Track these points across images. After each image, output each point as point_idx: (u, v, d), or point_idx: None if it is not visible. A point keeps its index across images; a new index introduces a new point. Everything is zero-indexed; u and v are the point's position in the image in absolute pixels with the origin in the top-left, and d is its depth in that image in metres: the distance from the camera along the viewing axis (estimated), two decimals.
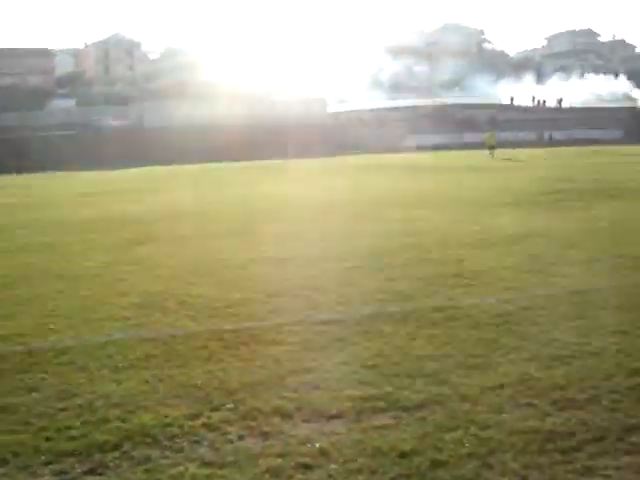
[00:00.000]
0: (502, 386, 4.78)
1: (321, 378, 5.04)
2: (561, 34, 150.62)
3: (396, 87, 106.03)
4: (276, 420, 4.38)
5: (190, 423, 4.35)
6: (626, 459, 3.75)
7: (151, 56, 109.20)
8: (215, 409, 4.57)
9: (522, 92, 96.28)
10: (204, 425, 4.33)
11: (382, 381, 4.95)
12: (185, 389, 4.94)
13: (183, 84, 77.13)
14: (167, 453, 3.99)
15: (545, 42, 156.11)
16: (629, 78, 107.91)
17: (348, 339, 5.96)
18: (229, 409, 4.56)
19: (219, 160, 46.44)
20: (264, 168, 37.62)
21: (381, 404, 4.56)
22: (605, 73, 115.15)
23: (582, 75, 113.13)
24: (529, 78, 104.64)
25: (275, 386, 4.94)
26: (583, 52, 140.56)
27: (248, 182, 28.03)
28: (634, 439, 3.98)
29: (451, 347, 5.65)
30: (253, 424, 4.33)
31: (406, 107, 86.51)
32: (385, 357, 5.46)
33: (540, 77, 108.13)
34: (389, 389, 4.79)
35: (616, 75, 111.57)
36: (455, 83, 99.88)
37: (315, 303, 7.14)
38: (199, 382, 5.03)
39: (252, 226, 13.63)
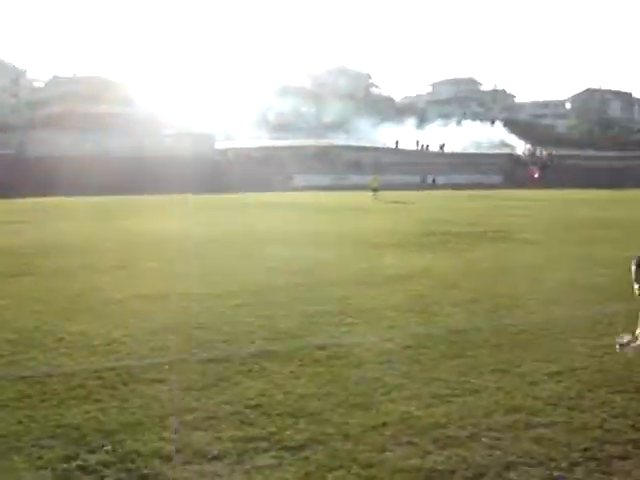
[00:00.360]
0: (384, 425, 4.83)
1: (203, 418, 4.95)
2: (445, 81, 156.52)
3: (283, 127, 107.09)
4: (156, 462, 4.26)
5: (65, 466, 4.17)
6: None
7: (36, 84, 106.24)
8: (92, 451, 4.40)
9: (406, 136, 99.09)
10: (80, 468, 4.16)
11: (265, 421, 4.91)
12: (61, 430, 4.74)
13: (70, 114, 75.26)
14: None
15: (430, 89, 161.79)
16: (508, 126, 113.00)
17: (231, 378, 5.89)
18: (107, 451, 4.40)
19: (105, 193, 45.39)
20: (150, 202, 37.02)
21: (264, 444, 4.51)
22: (485, 120, 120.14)
23: (463, 122, 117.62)
24: (413, 123, 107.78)
25: (155, 427, 4.81)
26: (465, 100, 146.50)
27: (133, 216, 27.48)
28: (513, 476, 4.10)
29: (334, 386, 5.67)
30: (132, 467, 4.19)
31: (293, 147, 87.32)
32: (268, 396, 5.42)
33: (424, 122, 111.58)
34: (272, 429, 4.75)
35: (492, 122, 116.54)
36: (342, 125, 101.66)
37: (198, 341, 7.03)
38: (75, 422, 4.84)
39: (136, 261, 13.35)
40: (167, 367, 6.10)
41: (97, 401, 5.31)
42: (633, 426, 4.80)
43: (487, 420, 4.91)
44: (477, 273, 11.99)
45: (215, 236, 18.14)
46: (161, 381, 5.76)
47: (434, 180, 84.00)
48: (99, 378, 5.86)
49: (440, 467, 4.18)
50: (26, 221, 23.75)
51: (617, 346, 5.56)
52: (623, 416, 4.97)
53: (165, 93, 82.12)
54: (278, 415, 5.00)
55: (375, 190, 48.36)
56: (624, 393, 5.46)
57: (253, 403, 5.25)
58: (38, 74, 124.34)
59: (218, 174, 63.56)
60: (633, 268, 5.37)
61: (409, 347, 6.87)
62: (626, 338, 5.49)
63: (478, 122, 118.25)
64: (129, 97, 79.66)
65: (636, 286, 5.34)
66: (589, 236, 19.04)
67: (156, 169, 52.93)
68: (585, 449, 4.48)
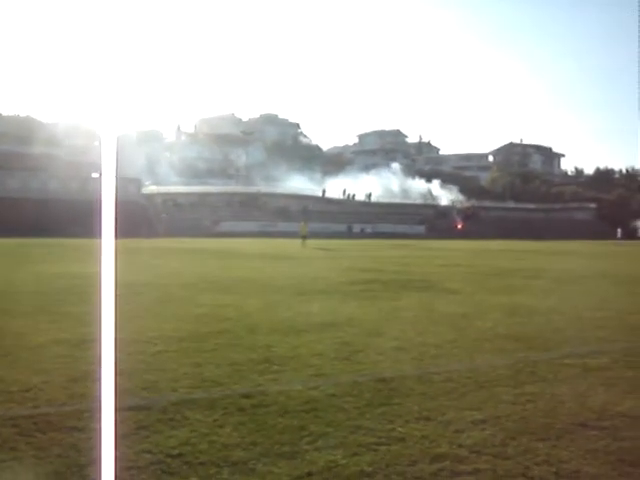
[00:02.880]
0: (309, 474, 4.75)
1: (122, 467, 4.77)
2: (372, 133, 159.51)
3: (212, 173, 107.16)
4: None
5: None
6: None
7: None
8: None
9: (333, 186, 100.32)
10: None
11: (187, 470, 4.77)
12: None
13: None
14: None
15: (356, 139, 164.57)
16: (432, 178, 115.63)
17: (153, 427, 5.73)
18: None
19: (26, 235, 44.40)
20: (73, 246, 36.32)
21: None
22: (411, 172, 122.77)
23: (389, 173, 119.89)
24: (340, 173, 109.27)
25: (74, 476, 4.62)
26: (391, 151, 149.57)
27: (55, 259, 26.88)
28: None
29: (259, 435, 5.57)
30: None
31: (220, 193, 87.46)
32: (191, 445, 5.28)
33: (351, 172, 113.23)
34: (194, 479, 4.63)
35: (417, 174, 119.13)
36: (270, 173, 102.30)
37: (119, 388, 6.82)
38: None
39: (56, 305, 13.00)
40: (86, 415, 5.90)
41: (12, 449, 5.08)
42: (556, 473, 4.85)
43: (412, 468, 4.89)
44: (402, 321, 12.07)
45: (140, 281, 17.87)
46: (80, 429, 5.56)
47: (362, 229, 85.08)
48: (15, 426, 5.61)
49: None
50: None
51: None
52: (546, 463, 5.02)
53: (93, 136, 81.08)
54: (201, 464, 4.88)
55: (304, 237, 48.81)
56: (547, 440, 5.53)
57: (175, 452, 5.11)
58: None
59: (145, 219, 62.97)
60: None
61: (334, 395, 6.82)
62: None
63: (407, 174, 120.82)
64: (56, 138, 78.46)
65: None
66: (510, 286, 19.49)
67: (80, 212, 52.08)
68: None
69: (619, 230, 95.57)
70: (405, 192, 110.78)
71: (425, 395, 6.91)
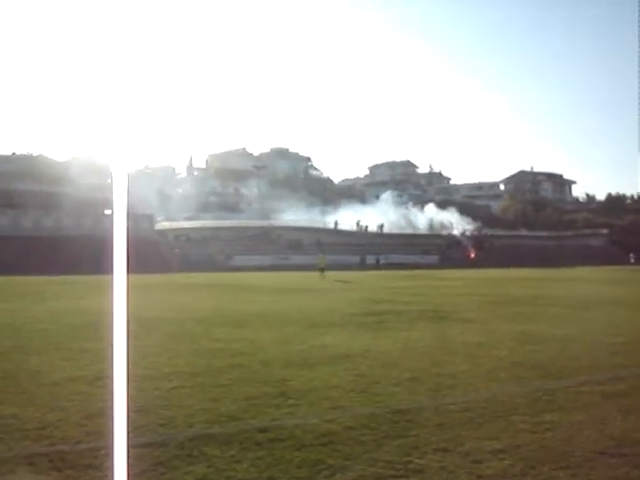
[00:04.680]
0: None
1: None
2: (382, 164, 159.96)
3: (224, 207, 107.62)
4: None
5: None
6: None
7: None
8: None
9: (346, 218, 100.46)
10: None
11: None
12: None
13: (5, 193, 74.28)
14: None
15: (367, 171, 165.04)
16: (444, 208, 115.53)
17: (169, 463, 5.72)
18: None
19: (40, 273, 44.59)
20: (86, 283, 36.45)
21: None
22: (422, 202, 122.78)
23: (401, 203, 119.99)
24: (352, 205, 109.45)
25: None
26: (402, 182, 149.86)
27: (69, 296, 26.97)
28: None
29: (276, 469, 5.55)
30: None
31: (233, 227, 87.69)
32: None
33: (363, 204, 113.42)
34: None
35: (431, 205, 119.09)
36: (282, 207, 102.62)
37: (135, 425, 6.83)
38: None
39: (71, 342, 13.01)
40: (102, 452, 5.89)
41: None
42: None
43: None
44: (417, 352, 12.03)
45: (154, 316, 17.89)
46: (96, 467, 5.55)
47: (378, 260, 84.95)
48: (31, 464, 5.62)
49: None
50: None
51: None
52: None
53: (106, 173, 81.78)
54: None
55: (322, 270, 48.94)
56: (567, 469, 5.48)
57: None
58: None
59: (158, 254, 63.19)
60: None
61: (351, 428, 6.79)
62: None
63: (418, 205, 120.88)
64: (68, 176, 79.11)
65: None
66: (524, 313, 19.41)
67: (94, 249, 52.35)
68: None
69: (631, 255, 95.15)
70: (417, 223, 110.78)
71: (442, 426, 6.86)
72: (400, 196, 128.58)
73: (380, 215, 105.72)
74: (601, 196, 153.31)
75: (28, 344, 12.85)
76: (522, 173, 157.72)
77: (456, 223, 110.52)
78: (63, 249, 54.45)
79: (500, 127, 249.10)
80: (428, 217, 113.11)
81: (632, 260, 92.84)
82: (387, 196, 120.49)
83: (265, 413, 7.45)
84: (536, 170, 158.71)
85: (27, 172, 79.61)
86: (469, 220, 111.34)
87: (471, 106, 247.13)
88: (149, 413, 7.37)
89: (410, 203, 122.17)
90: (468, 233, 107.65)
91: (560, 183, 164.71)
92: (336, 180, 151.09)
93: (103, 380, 9.08)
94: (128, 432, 2.81)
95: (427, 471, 5.47)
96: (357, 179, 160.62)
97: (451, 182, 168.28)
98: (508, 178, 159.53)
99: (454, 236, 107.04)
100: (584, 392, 8.47)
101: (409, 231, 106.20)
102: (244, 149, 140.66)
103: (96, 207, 69.06)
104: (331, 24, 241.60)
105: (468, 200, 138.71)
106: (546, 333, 14.67)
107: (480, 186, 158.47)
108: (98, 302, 22.64)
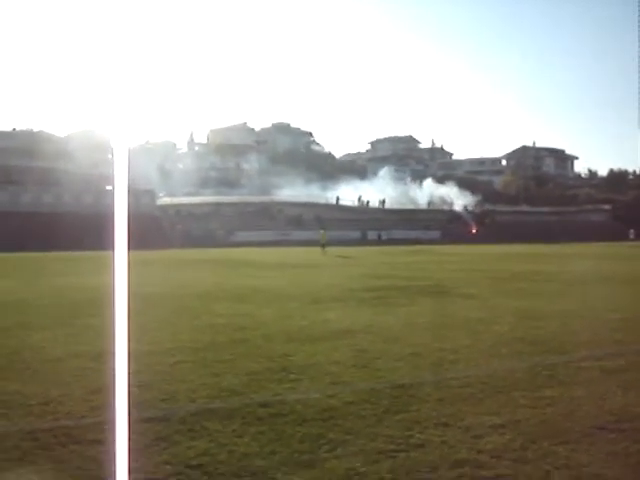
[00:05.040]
0: None
1: (142, 479, 4.81)
2: (384, 139, 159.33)
3: (225, 183, 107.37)
4: None
5: None
6: None
7: None
8: None
9: (347, 193, 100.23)
10: None
11: None
12: None
13: (5, 169, 74.17)
14: None
15: (369, 146, 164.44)
16: (446, 182, 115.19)
17: (171, 438, 5.75)
18: None
19: (41, 249, 44.67)
20: (87, 259, 36.52)
21: None
22: (424, 177, 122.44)
23: (403, 179, 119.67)
24: (354, 180, 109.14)
25: None
26: (404, 157, 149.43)
27: (70, 273, 27.03)
28: None
29: (277, 444, 5.58)
30: None
31: (234, 203, 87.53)
32: (210, 456, 5.30)
33: (364, 179, 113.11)
34: None
35: (434, 180, 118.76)
36: (283, 182, 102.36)
37: (138, 400, 6.86)
38: None
39: (74, 318, 13.07)
40: (106, 427, 5.93)
41: (32, 463, 5.11)
42: (577, 477, 4.84)
43: (432, 475, 4.89)
44: (418, 327, 12.06)
45: (155, 292, 17.94)
46: (100, 442, 5.58)
47: (379, 236, 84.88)
48: (35, 439, 5.65)
49: None
50: None
51: None
52: (567, 467, 5.01)
53: (106, 149, 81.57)
54: (220, 474, 4.90)
55: (324, 246, 49.02)
56: (567, 444, 5.51)
57: (194, 463, 5.13)
58: None
59: (159, 230, 63.20)
60: None
61: (352, 403, 6.83)
62: None
63: (417, 179, 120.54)
64: (68, 152, 78.90)
65: None
66: (524, 290, 19.44)
67: (95, 225, 52.42)
68: None
69: (632, 231, 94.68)
70: (419, 198, 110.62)
71: (443, 401, 6.90)
72: (402, 171, 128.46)
73: (382, 190, 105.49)
74: (603, 172, 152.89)
75: (31, 320, 12.90)
76: (524, 148, 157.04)
77: (458, 198, 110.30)
78: (63, 225, 54.40)
79: (502, 101, 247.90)
80: (430, 192, 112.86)
81: (632, 236, 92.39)
82: (389, 171, 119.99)
83: (267, 388, 7.49)
84: (538, 145, 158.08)
85: (26, 148, 79.37)
86: (471, 195, 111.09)
87: (474, 82, 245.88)
88: (151, 388, 7.41)
89: (412, 178, 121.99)
90: (470, 208, 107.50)
91: (562, 158, 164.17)
92: (338, 155, 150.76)
93: (106, 355, 9.12)
94: (130, 407, 2.83)
95: (428, 446, 5.51)
96: (359, 154, 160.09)
97: (453, 157, 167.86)
98: (510, 153, 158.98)
99: (456, 211, 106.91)
100: (584, 368, 8.50)
101: (411, 206, 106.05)
102: (245, 124, 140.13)
103: (97, 183, 69.00)
104: (333, 2, 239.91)
105: (470, 175, 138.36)
106: (547, 309, 14.70)
107: (482, 161, 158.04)
108: (100, 278, 22.70)
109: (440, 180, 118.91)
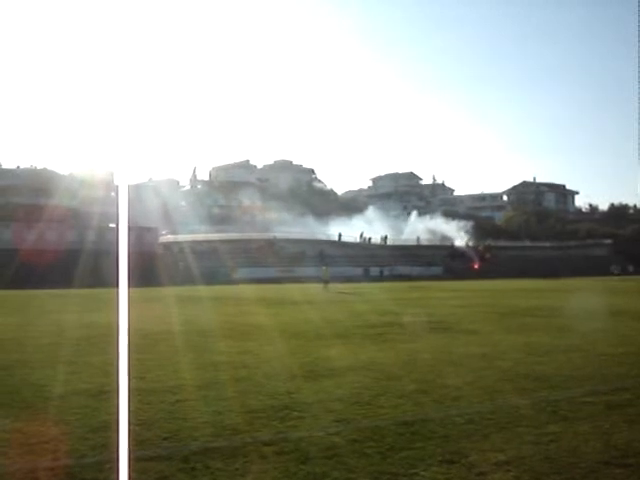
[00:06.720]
0: None
1: None
2: (385, 176, 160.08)
3: (228, 220, 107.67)
4: None
5: None
6: None
7: None
8: None
9: (349, 230, 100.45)
10: None
11: None
12: None
13: (11, 207, 74.60)
14: None
15: (370, 183, 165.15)
16: (447, 219, 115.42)
17: (174, 476, 5.71)
18: None
19: (45, 286, 44.63)
20: (90, 296, 36.46)
21: None
22: (425, 214, 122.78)
23: (404, 215, 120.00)
24: (355, 217, 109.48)
25: None
26: (406, 193, 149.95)
27: (72, 310, 26.97)
28: None
29: None
30: None
31: (237, 240, 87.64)
32: None
33: (366, 216, 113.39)
34: None
35: (435, 216, 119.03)
36: (286, 219, 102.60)
37: (139, 438, 6.83)
38: None
39: (75, 356, 13.02)
40: (107, 466, 5.89)
41: None
42: None
43: None
44: (421, 364, 12.01)
45: (158, 329, 17.88)
46: None
47: (382, 272, 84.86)
48: (35, 479, 5.62)
49: None
50: None
51: None
52: None
53: (109, 186, 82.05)
54: None
55: (326, 282, 49.00)
56: None
57: None
58: None
59: (162, 267, 63.16)
60: None
61: (356, 440, 6.78)
62: None
63: (421, 216, 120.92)
64: (73, 190, 79.31)
65: None
66: (528, 324, 19.41)
67: (98, 262, 52.39)
68: None
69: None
70: (421, 234, 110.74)
71: (447, 438, 6.85)
72: (404, 207, 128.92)
73: (384, 227, 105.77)
74: (604, 206, 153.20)
75: (32, 358, 12.86)
76: (524, 184, 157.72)
77: (460, 235, 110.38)
78: (67, 263, 54.50)
79: (503, 138, 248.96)
80: (432, 229, 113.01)
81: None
82: (390, 208, 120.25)
83: (269, 426, 7.44)
84: (539, 181, 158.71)
85: (30, 186, 79.80)
86: (473, 231, 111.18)
87: (473, 118, 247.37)
88: (153, 426, 7.37)
89: (414, 215, 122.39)
90: (471, 244, 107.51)
91: (563, 193, 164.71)
92: (339, 192, 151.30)
93: (107, 394, 9.09)
94: (131, 446, 2.82)
95: None
96: (360, 191, 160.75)
97: (454, 193, 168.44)
98: (511, 189, 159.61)
99: (458, 247, 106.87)
100: (588, 403, 8.46)
101: (413, 243, 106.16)
102: (247, 161, 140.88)
103: (100, 220, 69.17)
104: (335, 36, 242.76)
105: (471, 211, 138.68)
106: (550, 344, 14.66)
107: (483, 197, 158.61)
108: (103, 315, 22.68)
109: (442, 216, 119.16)
